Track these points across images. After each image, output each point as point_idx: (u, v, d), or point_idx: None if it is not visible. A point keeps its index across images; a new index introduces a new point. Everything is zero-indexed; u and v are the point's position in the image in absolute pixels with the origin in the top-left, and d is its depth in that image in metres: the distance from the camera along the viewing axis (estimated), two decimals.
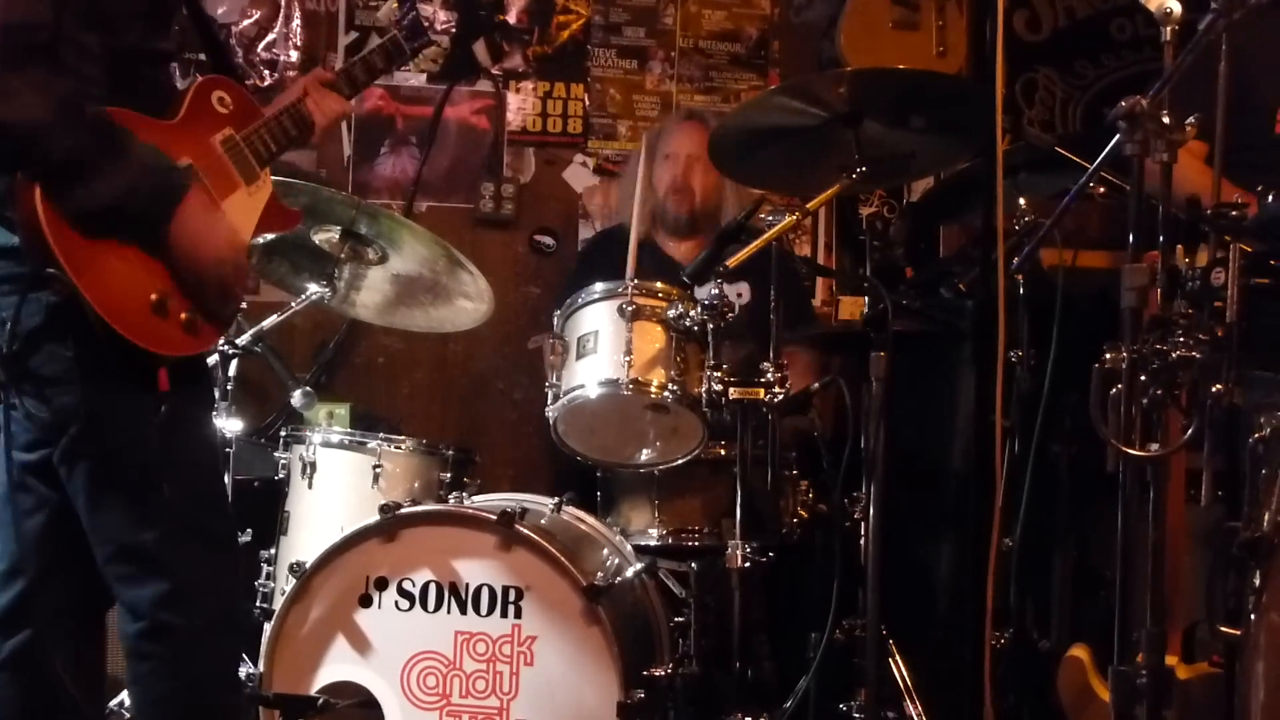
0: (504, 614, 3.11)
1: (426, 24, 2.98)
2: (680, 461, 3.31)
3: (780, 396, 3.10)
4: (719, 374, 3.12)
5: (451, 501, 3.35)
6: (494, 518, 3.10)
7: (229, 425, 3.51)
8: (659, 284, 3.28)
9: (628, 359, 3.15)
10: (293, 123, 2.67)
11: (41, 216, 2.22)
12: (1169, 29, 2.37)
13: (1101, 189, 3.41)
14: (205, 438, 2.61)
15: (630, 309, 3.18)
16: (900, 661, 3.39)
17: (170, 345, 2.37)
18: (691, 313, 3.16)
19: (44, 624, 2.43)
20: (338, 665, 3.14)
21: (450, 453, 3.63)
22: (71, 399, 2.32)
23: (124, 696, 3.11)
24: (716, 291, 3.13)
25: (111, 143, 2.28)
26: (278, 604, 3.18)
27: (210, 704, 2.47)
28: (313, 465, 3.53)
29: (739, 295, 4.11)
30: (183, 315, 2.37)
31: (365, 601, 3.13)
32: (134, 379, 2.35)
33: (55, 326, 2.30)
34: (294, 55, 4.71)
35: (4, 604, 2.45)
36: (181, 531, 2.40)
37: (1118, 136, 2.26)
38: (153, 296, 2.33)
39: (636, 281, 3.23)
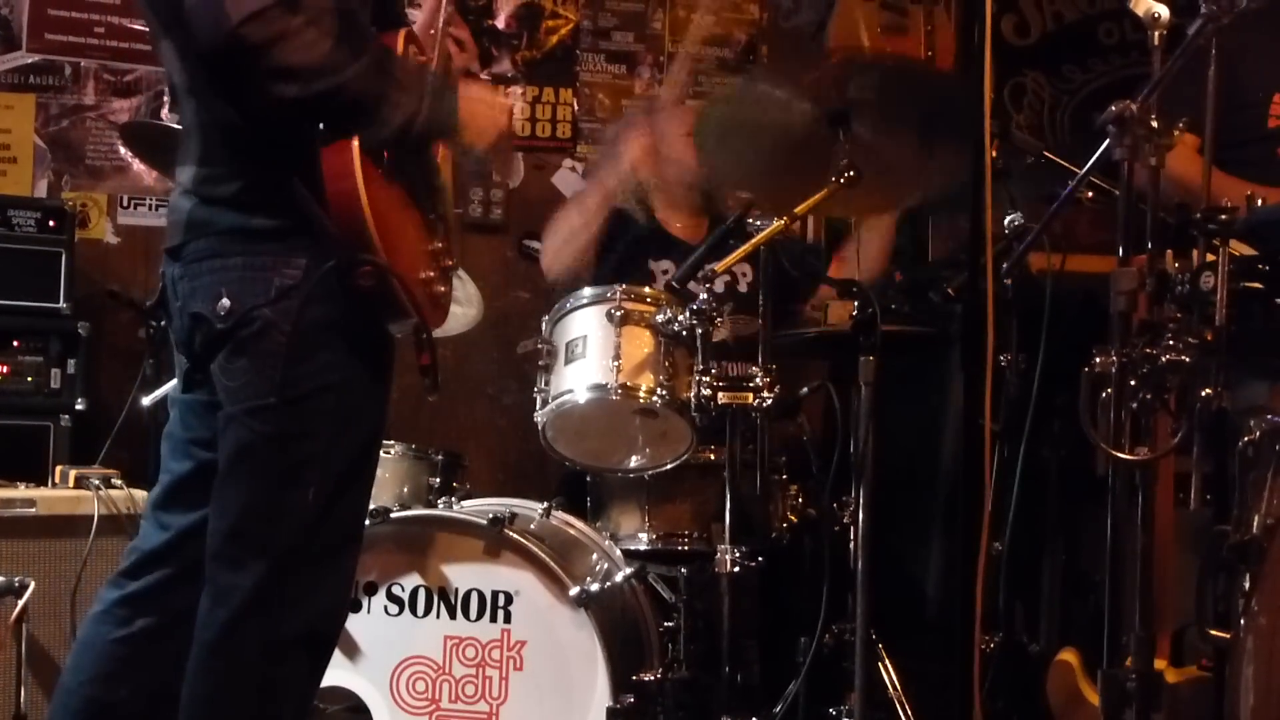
0: (493, 619, 3.11)
1: None
2: (669, 466, 3.31)
3: (769, 401, 3.10)
4: (708, 378, 3.12)
5: (440, 506, 3.35)
6: (483, 522, 3.10)
7: None
8: (647, 288, 3.29)
9: (616, 364, 3.15)
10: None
11: (362, 192, 2.13)
12: (1157, 33, 2.37)
13: (1090, 193, 3.41)
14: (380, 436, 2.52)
15: (619, 314, 3.17)
16: (890, 665, 3.38)
17: (433, 321, 2.39)
18: (680, 317, 3.16)
19: (169, 617, 2.36)
20: (327, 670, 3.12)
21: (439, 457, 3.62)
22: (268, 378, 2.22)
23: None
24: (705, 296, 3.14)
25: (386, 64, 2.18)
26: None
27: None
28: None
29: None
30: (439, 289, 2.36)
31: (354, 606, 3.13)
32: (385, 361, 2.38)
33: (278, 306, 2.21)
34: None
35: (137, 587, 2.38)
36: (304, 539, 2.25)
37: (1107, 140, 2.26)
38: (423, 274, 2.31)
39: (625, 286, 3.23)
